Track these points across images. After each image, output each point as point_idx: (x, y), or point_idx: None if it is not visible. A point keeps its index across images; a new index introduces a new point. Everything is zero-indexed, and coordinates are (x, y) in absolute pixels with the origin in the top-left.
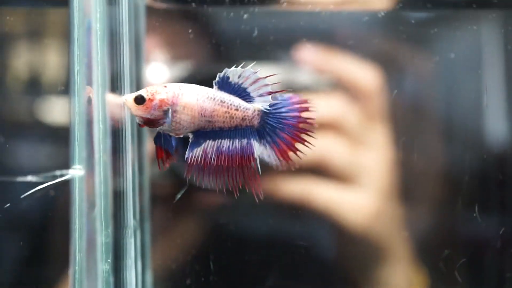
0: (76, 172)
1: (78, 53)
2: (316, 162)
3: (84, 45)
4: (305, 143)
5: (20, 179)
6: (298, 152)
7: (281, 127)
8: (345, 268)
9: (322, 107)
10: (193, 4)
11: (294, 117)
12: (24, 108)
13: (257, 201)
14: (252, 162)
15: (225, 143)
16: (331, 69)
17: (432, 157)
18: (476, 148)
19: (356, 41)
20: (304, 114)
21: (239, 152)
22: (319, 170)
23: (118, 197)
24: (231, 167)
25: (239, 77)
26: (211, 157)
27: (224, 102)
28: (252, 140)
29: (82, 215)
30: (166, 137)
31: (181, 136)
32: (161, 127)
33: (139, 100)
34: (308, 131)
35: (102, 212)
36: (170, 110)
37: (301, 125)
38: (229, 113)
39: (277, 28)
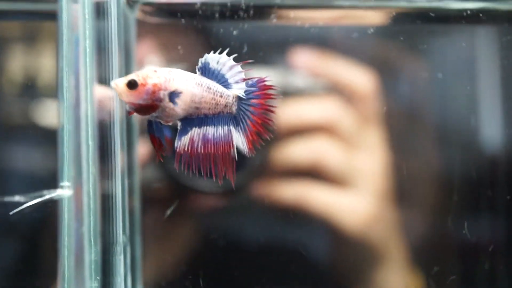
0: (64, 191)
1: (66, 69)
2: (311, 166)
3: (72, 62)
4: (265, 132)
5: (8, 199)
6: (257, 140)
7: (248, 114)
8: (341, 272)
9: (317, 110)
10: (183, 20)
11: (257, 103)
12: (18, 111)
13: (233, 189)
14: (232, 150)
15: (210, 130)
16: (326, 73)
17: (426, 161)
18: (471, 153)
19: (346, 54)
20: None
21: (222, 139)
22: (314, 174)
23: (107, 212)
24: (216, 154)
25: (217, 63)
26: (197, 145)
27: (210, 88)
28: (231, 126)
29: (70, 233)
30: (158, 125)
31: (170, 124)
32: (153, 114)
33: (132, 85)
34: (269, 118)
35: (91, 229)
36: (165, 95)
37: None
38: (215, 99)
39: (267, 43)
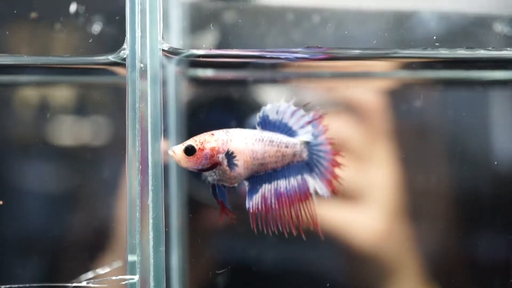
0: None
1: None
2: None
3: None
4: (341, 167)
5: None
6: (338, 179)
7: (324, 156)
8: None
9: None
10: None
11: (327, 144)
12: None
13: (322, 239)
14: (310, 198)
15: (282, 184)
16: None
17: (438, 176)
18: (483, 167)
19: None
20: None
21: (297, 189)
22: None
23: None
24: (292, 207)
25: (277, 113)
26: (271, 202)
27: (273, 141)
28: (305, 175)
29: None
30: (221, 189)
31: (235, 185)
32: (214, 177)
33: (190, 151)
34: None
35: None
36: (224, 158)
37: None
38: (280, 151)
39: None
